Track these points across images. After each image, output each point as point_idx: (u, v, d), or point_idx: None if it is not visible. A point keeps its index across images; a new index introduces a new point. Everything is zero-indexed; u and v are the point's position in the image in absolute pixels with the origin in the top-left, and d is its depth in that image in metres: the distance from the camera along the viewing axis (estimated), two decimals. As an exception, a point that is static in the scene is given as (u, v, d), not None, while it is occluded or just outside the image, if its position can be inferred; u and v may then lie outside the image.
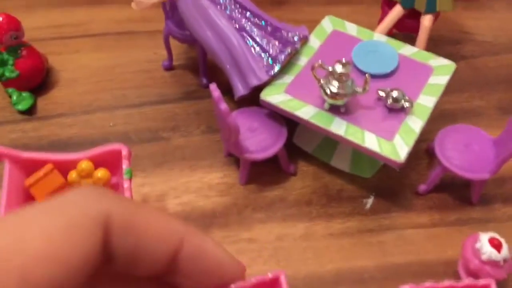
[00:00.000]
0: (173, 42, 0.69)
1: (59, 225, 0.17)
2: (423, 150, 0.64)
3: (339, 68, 0.52)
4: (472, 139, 0.57)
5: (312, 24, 0.79)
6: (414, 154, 0.57)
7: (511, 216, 0.58)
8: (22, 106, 0.66)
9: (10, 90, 0.67)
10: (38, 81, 0.69)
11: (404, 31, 0.71)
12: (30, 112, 0.67)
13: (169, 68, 0.73)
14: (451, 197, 0.60)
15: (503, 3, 0.85)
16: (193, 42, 0.66)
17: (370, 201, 0.59)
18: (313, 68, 0.54)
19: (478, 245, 0.49)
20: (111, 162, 0.52)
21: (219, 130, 0.65)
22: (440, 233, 0.57)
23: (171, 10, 0.66)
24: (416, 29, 0.68)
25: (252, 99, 0.60)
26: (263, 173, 0.61)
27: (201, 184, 0.61)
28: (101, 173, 0.51)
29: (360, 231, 0.57)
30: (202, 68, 0.69)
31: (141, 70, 0.73)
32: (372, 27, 0.78)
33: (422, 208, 0.59)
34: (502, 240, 0.49)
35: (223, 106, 0.51)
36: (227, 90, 0.68)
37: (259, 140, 0.58)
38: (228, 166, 0.62)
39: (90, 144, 0.64)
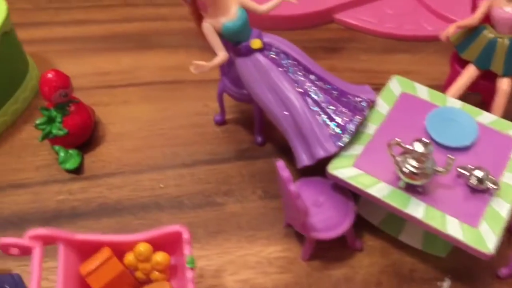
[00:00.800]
0: (226, 95, 0.66)
1: None
2: (499, 224, 0.58)
3: (419, 148, 0.48)
4: (561, 222, 0.52)
5: (371, 74, 0.76)
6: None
7: None
8: (69, 165, 0.63)
9: (57, 147, 0.64)
10: (86, 137, 0.66)
11: (477, 91, 0.66)
12: (77, 171, 0.64)
13: (221, 123, 0.69)
14: (536, 281, 0.54)
15: None
16: (250, 101, 0.62)
17: (445, 285, 0.54)
18: (389, 146, 0.50)
19: None
20: (170, 243, 0.48)
21: (277, 196, 0.61)
22: (524, 324, 0.52)
23: (228, 66, 0.62)
24: (488, 91, 0.63)
25: (315, 166, 0.56)
26: (327, 249, 0.56)
27: (260, 259, 0.57)
28: (160, 257, 0.47)
29: (435, 319, 0.53)
30: (258, 125, 0.65)
31: (192, 124, 0.69)
32: (433, 79, 0.74)
33: (503, 294, 0.54)
34: None
35: (293, 188, 0.47)
36: (283, 149, 0.64)
37: (326, 218, 0.53)
38: (288, 238, 0.58)
39: (141, 209, 0.61)
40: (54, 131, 0.62)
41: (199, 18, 0.57)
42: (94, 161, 0.65)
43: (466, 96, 0.65)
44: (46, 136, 0.63)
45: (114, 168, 0.65)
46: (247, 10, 0.57)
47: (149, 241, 0.48)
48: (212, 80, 0.69)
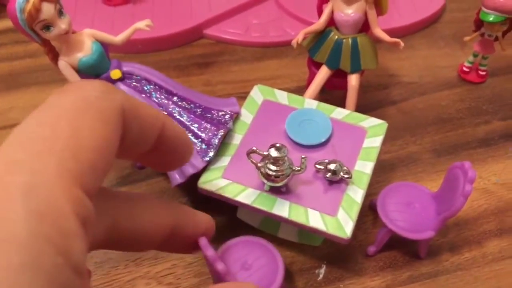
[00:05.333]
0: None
1: (96, 117, 0.21)
2: (366, 206, 0.64)
3: (274, 153, 0.52)
4: (412, 197, 0.58)
5: (243, 84, 0.80)
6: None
7: (459, 265, 0.60)
8: None
9: None
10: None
11: (333, 89, 0.71)
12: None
13: (101, 152, 0.70)
14: (400, 254, 0.60)
15: (422, 41, 0.88)
16: (122, 128, 0.63)
17: (322, 271, 0.59)
18: (248, 154, 0.53)
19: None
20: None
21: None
22: (395, 294, 0.58)
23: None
24: (343, 86, 0.69)
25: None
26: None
27: (148, 280, 0.58)
28: None
29: (316, 305, 0.57)
30: (136, 150, 0.67)
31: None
32: (300, 80, 0.79)
33: (374, 270, 0.59)
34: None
35: (221, 266, 0.45)
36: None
37: (258, 279, 0.52)
38: (175, 254, 0.60)
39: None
40: None
41: (54, 56, 0.58)
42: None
43: (330, 94, 0.71)
44: None
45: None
46: (102, 42, 0.59)
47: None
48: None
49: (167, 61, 0.84)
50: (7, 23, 0.91)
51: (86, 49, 0.57)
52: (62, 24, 0.54)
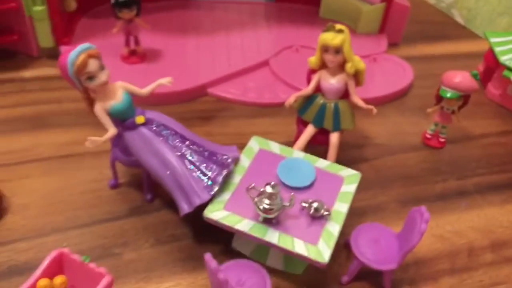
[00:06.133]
0: (118, 162, 0.78)
1: None
2: (341, 244, 0.75)
3: (269, 189, 0.64)
4: (380, 236, 0.70)
5: (239, 136, 0.92)
6: (334, 248, 0.68)
7: (417, 297, 0.71)
8: (-22, 236, 0.71)
9: (-35, 221, 0.71)
10: (-7, 210, 0.74)
11: (317, 143, 0.85)
12: (-15, 240, 0.72)
13: (115, 186, 0.81)
14: (368, 285, 0.71)
15: (392, 109, 1.03)
16: (138, 166, 0.75)
17: (303, 296, 0.69)
18: (247, 190, 0.65)
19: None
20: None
21: (167, 242, 0.74)
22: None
23: (118, 139, 0.75)
24: (326, 142, 0.82)
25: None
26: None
27: (155, 295, 0.68)
28: (59, 279, 0.59)
29: (297, 323, 0.67)
30: (147, 185, 0.78)
31: (90, 190, 0.80)
32: (289, 135, 0.92)
33: (346, 297, 0.70)
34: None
35: (222, 276, 0.55)
36: (169, 203, 0.77)
37: None
38: (179, 274, 0.70)
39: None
40: (-37, 206, 0.70)
41: (91, 102, 0.70)
42: (1, 230, 0.74)
43: (316, 149, 0.84)
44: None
45: (20, 234, 0.73)
46: (131, 93, 0.72)
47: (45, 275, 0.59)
48: (104, 151, 0.82)
49: (173, 113, 0.96)
50: (35, 72, 1.04)
51: (118, 98, 0.70)
52: (102, 76, 0.67)
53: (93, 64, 0.65)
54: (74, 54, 0.64)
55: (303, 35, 1.19)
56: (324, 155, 0.80)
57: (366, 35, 1.20)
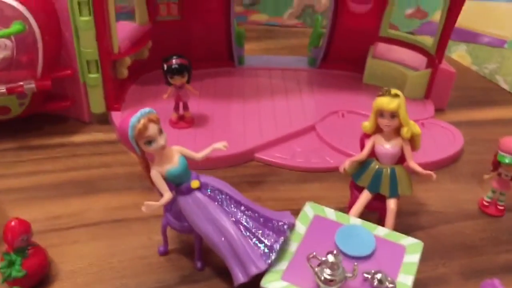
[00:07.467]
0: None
1: None
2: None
3: (331, 258, 0.61)
4: (447, 310, 0.66)
5: (290, 202, 0.90)
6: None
7: None
8: (27, 304, 0.69)
9: (15, 288, 0.70)
10: (42, 277, 0.72)
11: (372, 210, 0.82)
12: (34, 308, 0.70)
13: (165, 253, 0.79)
14: None
15: (444, 175, 1.00)
16: (190, 232, 0.73)
17: None
18: (308, 259, 0.62)
19: None
20: None
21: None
22: None
23: (170, 204, 0.74)
24: (381, 209, 0.79)
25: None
26: None
27: None
28: None
29: None
30: (198, 252, 0.76)
31: (138, 257, 0.78)
32: (339, 202, 0.90)
33: None
34: None
35: None
36: (220, 272, 0.74)
37: None
38: None
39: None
40: (14, 273, 0.69)
41: (147, 166, 0.70)
42: (49, 297, 0.72)
43: (367, 214, 0.81)
44: (7, 278, 0.69)
45: (69, 302, 0.71)
46: (186, 157, 0.71)
47: None
48: (153, 216, 0.80)
49: (221, 178, 0.95)
50: (86, 137, 1.06)
51: (174, 162, 0.69)
52: (161, 140, 0.67)
53: (153, 128, 0.66)
54: (135, 118, 0.64)
55: (348, 101, 1.19)
56: (374, 221, 0.77)
57: (412, 100, 1.19)
